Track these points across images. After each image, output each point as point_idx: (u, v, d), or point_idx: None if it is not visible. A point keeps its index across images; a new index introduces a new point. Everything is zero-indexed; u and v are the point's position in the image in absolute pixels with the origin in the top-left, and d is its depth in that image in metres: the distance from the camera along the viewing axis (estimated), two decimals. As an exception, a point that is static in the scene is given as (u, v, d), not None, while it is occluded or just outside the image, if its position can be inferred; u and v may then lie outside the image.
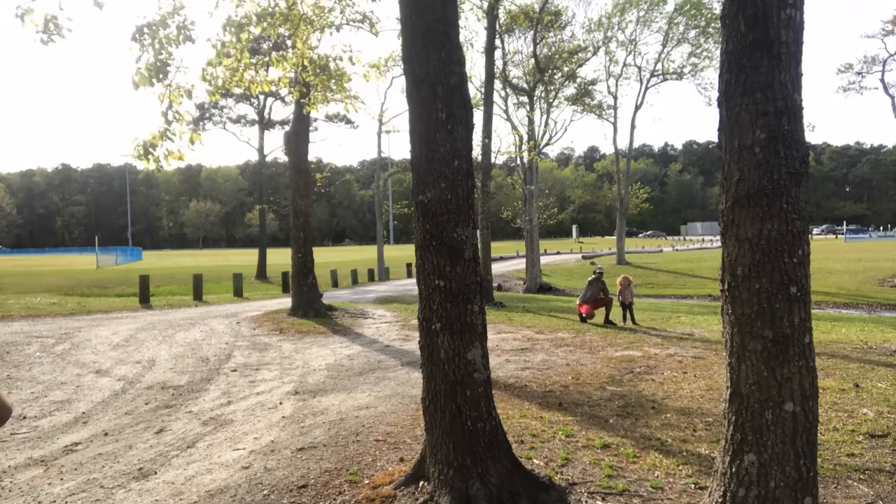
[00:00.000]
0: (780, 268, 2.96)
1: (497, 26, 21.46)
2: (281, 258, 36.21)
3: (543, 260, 39.06)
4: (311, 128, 23.96)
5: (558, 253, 56.20)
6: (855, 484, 4.14)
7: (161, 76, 5.59)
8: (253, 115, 37.08)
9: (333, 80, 8.19)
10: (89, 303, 19.20)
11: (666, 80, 38.75)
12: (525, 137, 28.30)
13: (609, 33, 35.75)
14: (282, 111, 39.28)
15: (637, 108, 39.12)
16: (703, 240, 76.25)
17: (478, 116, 20.05)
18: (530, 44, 28.64)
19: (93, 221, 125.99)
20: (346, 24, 9.12)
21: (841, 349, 9.20)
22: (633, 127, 39.88)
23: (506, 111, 32.45)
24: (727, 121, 3.10)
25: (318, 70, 7.73)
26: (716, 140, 3.24)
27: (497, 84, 27.58)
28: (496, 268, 34.93)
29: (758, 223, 2.99)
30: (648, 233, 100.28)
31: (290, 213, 16.12)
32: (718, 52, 3.21)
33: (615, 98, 38.75)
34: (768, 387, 2.97)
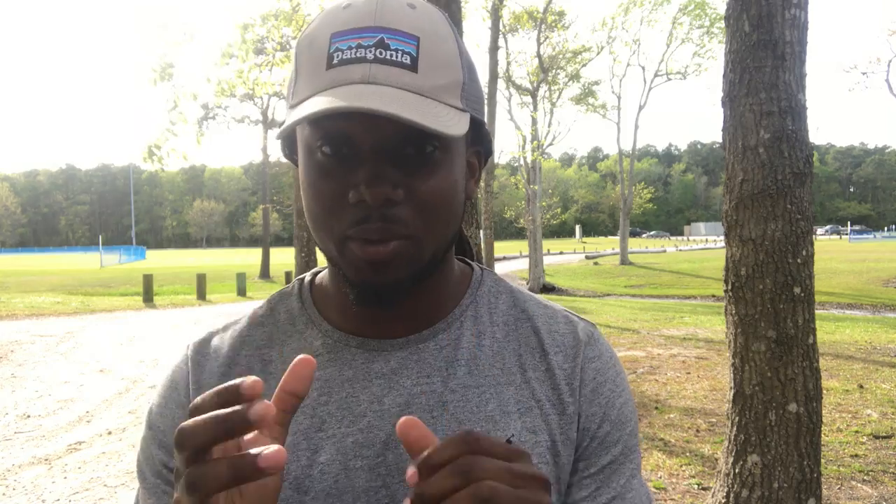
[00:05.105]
0: (784, 268, 2.95)
1: (501, 26, 21.43)
2: (284, 258, 36.25)
3: (546, 260, 38.97)
4: (314, 127, 23.95)
5: (561, 253, 56.10)
6: (858, 485, 4.13)
7: (166, 77, 5.60)
8: (257, 114, 37.08)
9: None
10: (93, 302, 19.25)
11: (670, 79, 38.62)
12: (528, 137, 28.26)
13: (613, 33, 35.70)
14: (286, 111, 39.30)
15: (641, 107, 39.00)
16: (706, 240, 75.95)
17: (481, 116, 19.97)
18: (534, 44, 28.60)
19: (97, 221, 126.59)
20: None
21: (845, 350, 9.17)
22: (636, 127, 39.76)
23: (509, 111, 32.41)
24: (731, 121, 3.09)
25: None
26: (720, 140, 3.23)
27: (500, 84, 27.53)
28: (499, 268, 34.92)
29: (762, 224, 2.98)
30: (652, 233, 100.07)
31: (293, 212, 16.16)
32: (722, 52, 3.20)
33: (619, 98, 38.66)
34: (772, 388, 2.96)
